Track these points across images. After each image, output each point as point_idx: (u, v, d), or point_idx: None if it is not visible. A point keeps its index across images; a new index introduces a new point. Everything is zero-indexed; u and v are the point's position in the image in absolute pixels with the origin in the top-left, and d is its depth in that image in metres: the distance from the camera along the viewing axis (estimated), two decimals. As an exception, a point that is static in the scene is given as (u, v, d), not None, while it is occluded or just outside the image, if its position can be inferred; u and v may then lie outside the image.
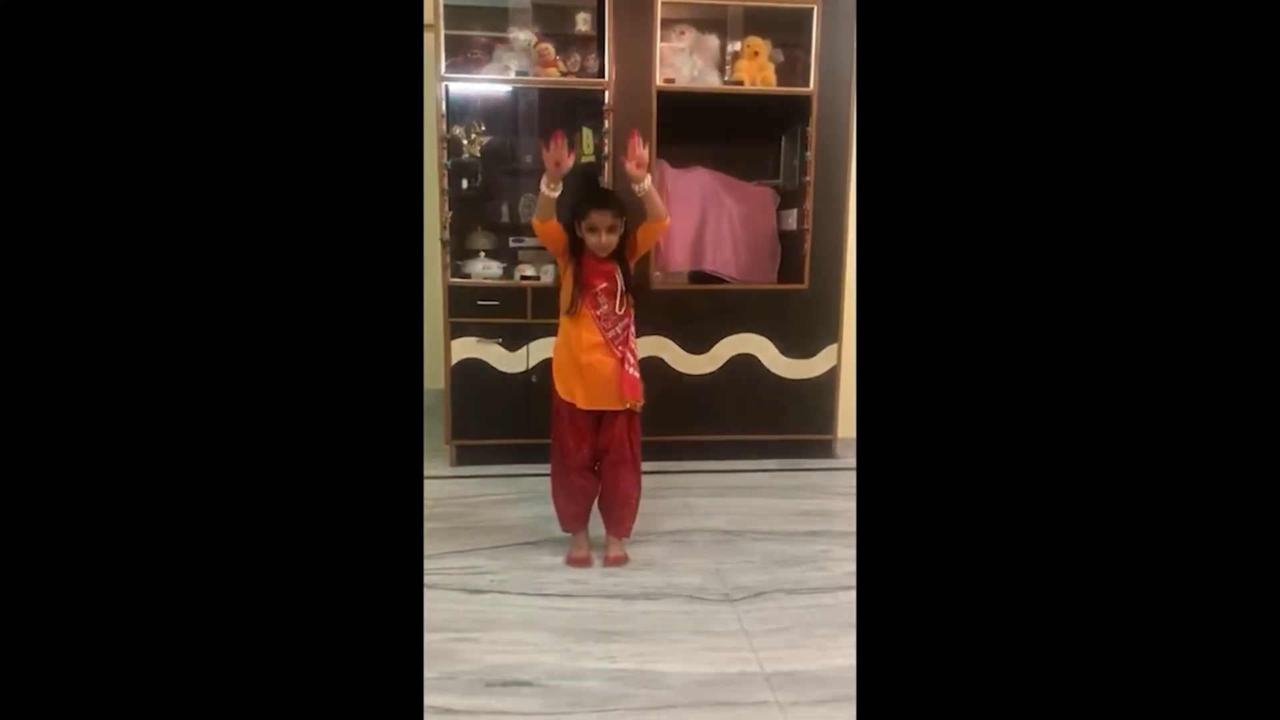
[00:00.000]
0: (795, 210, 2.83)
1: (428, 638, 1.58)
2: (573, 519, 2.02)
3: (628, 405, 1.91)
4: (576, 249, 1.91)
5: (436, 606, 1.72)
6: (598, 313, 1.89)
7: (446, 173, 2.60)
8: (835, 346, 2.82)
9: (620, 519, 2.00)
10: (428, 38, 2.55)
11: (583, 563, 1.97)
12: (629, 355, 1.92)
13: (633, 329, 1.95)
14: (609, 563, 1.96)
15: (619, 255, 1.91)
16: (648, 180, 1.82)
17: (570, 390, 1.93)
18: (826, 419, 2.86)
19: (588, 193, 1.99)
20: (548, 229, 1.85)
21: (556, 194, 1.81)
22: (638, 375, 1.93)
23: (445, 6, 2.49)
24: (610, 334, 1.90)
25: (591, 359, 1.89)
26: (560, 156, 1.78)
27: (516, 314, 2.64)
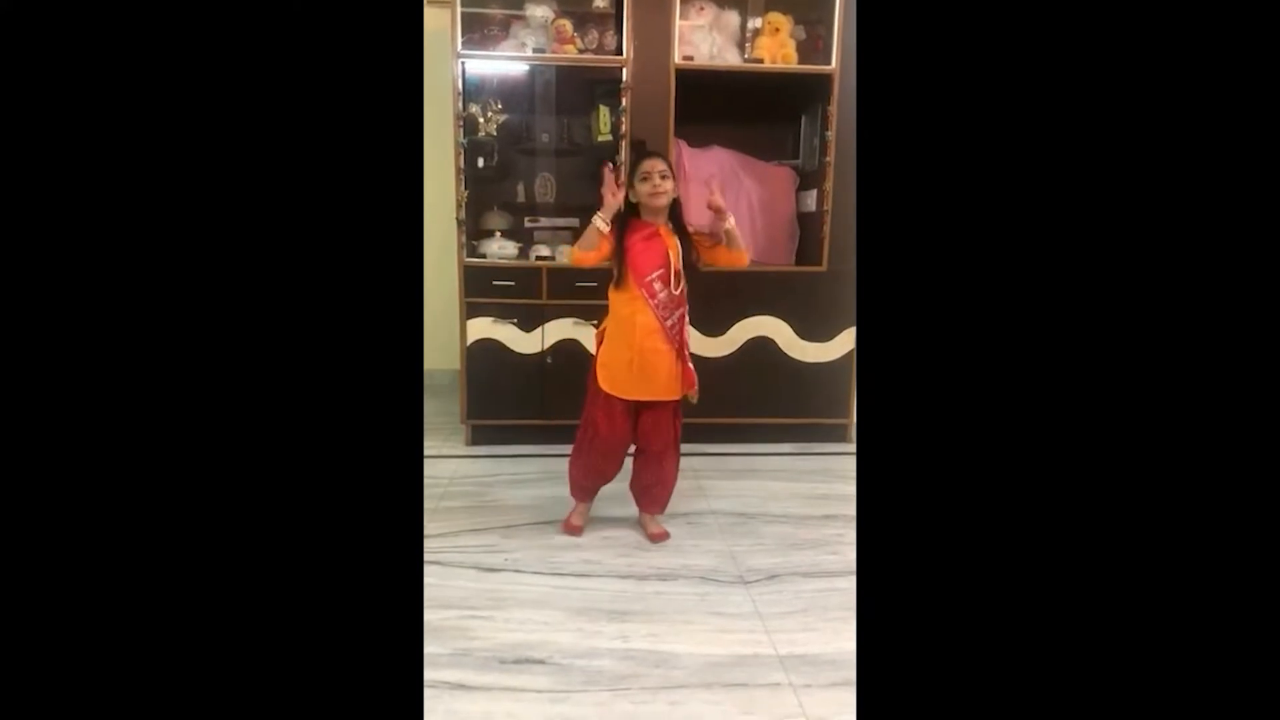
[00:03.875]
0: (814, 191, 2.79)
1: (442, 615, 1.59)
2: (583, 492, 2.03)
3: (686, 395, 1.88)
4: (623, 224, 1.83)
5: (451, 584, 1.74)
6: (655, 301, 1.82)
7: (462, 151, 2.58)
8: (853, 330, 2.78)
9: (657, 499, 2.01)
10: (444, 15, 2.53)
11: (575, 531, 2.00)
12: (685, 346, 1.88)
13: (687, 318, 1.91)
14: (654, 539, 1.97)
15: (680, 235, 1.85)
16: (730, 220, 1.82)
17: (614, 383, 1.87)
18: (842, 403, 2.84)
19: (637, 152, 1.92)
20: (587, 258, 1.82)
21: (608, 228, 1.78)
22: (692, 366, 1.90)
23: (462, -17, 2.47)
24: (668, 322, 1.85)
25: (649, 345, 1.83)
26: (613, 190, 1.76)
27: (532, 295, 2.64)
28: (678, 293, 1.85)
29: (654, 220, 1.85)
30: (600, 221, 1.77)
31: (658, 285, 1.82)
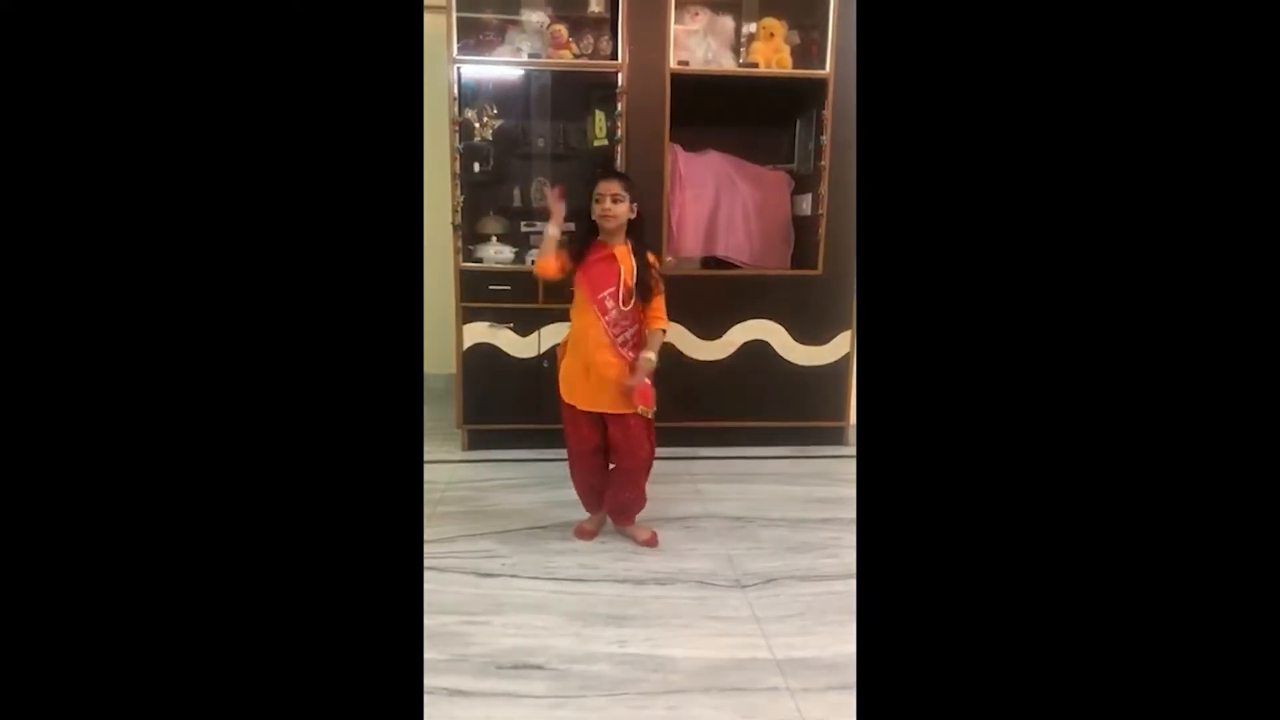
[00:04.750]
0: (810, 195, 2.80)
1: (439, 620, 1.59)
2: (587, 501, 2.06)
3: (637, 410, 1.89)
4: (584, 241, 1.90)
5: (448, 590, 1.73)
6: (606, 319, 1.86)
7: (458, 156, 2.58)
8: (849, 333, 2.79)
9: (628, 515, 2.02)
10: (440, 20, 2.53)
11: (586, 535, 2.03)
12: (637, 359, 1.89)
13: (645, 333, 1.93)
14: (647, 544, 1.98)
15: (638, 255, 1.88)
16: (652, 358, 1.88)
17: (571, 392, 1.92)
18: (839, 406, 2.85)
19: (600, 170, 1.97)
20: (548, 267, 1.86)
21: (558, 233, 1.87)
22: (648, 381, 1.90)
23: (457, -12, 2.47)
24: (620, 338, 1.87)
25: (600, 358, 1.87)
26: (556, 199, 1.87)
27: (528, 299, 2.64)
28: (628, 309, 1.87)
29: (610, 241, 1.89)
30: (552, 228, 1.87)
31: (609, 303, 1.86)
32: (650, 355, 1.87)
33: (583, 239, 1.91)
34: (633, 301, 1.87)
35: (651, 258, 1.93)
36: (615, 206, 1.83)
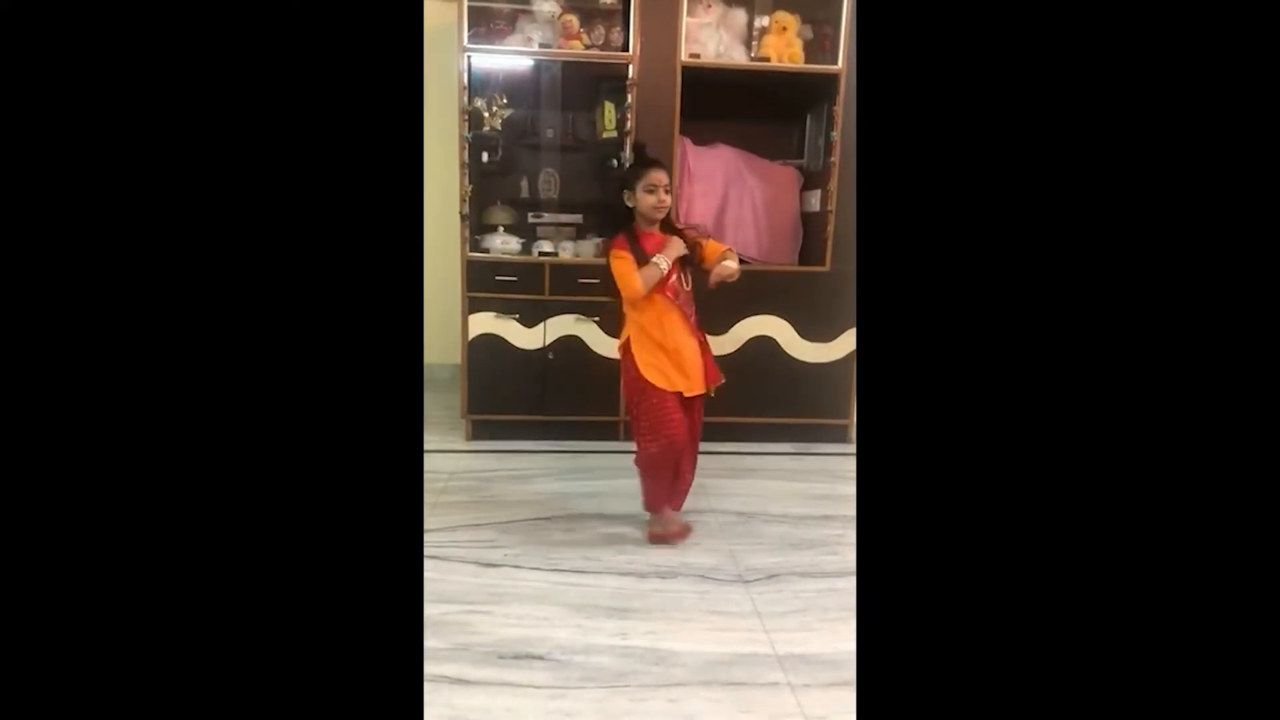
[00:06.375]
0: (819, 191, 2.78)
1: (441, 609, 1.59)
2: (663, 498, 1.97)
3: (710, 391, 1.92)
4: (634, 237, 1.84)
5: (450, 579, 1.74)
6: (678, 301, 1.86)
7: (467, 146, 2.58)
8: (855, 331, 2.78)
9: (684, 493, 2.03)
10: (451, 9, 2.52)
11: (678, 536, 1.96)
12: (705, 338, 1.92)
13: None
14: (653, 539, 1.98)
15: (676, 233, 1.89)
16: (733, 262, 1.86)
17: (671, 380, 1.86)
18: (843, 403, 2.84)
19: (640, 157, 1.93)
20: (640, 291, 1.80)
21: (666, 270, 1.81)
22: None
23: (469, -24, 2.46)
24: (692, 318, 1.90)
25: (683, 340, 1.86)
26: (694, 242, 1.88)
27: (534, 290, 2.64)
28: (688, 288, 1.91)
29: (653, 228, 1.88)
30: (664, 262, 1.81)
31: (676, 286, 1.88)
32: (731, 262, 1.85)
33: (631, 235, 1.85)
34: (689, 281, 1.90)
35: (681, 224, 1.95)
36: (667, 197, 1.84)
